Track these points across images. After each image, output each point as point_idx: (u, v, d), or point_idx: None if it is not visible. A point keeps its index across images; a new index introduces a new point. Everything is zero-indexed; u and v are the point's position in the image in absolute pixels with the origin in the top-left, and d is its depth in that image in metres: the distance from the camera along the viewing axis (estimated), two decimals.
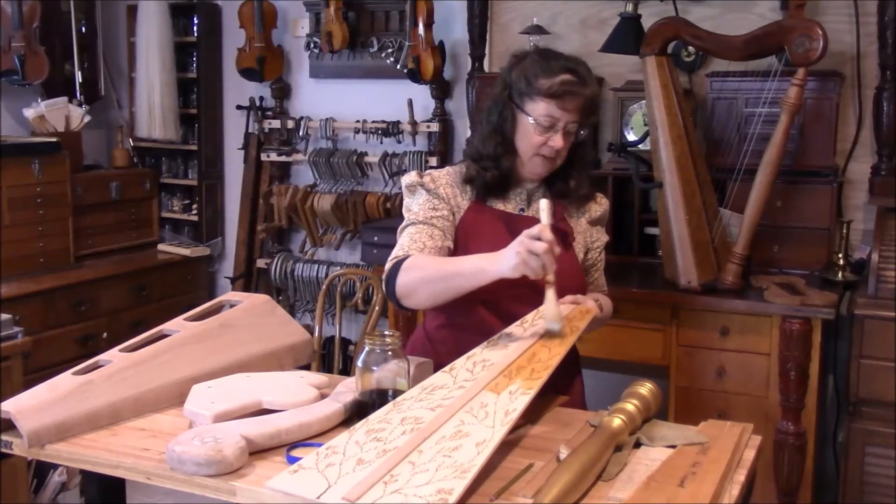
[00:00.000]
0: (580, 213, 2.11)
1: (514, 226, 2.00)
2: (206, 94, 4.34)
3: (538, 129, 1.96)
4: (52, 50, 4.00)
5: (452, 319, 2.03)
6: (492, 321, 1.97)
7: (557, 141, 1.96)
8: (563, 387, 1.98)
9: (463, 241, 2.02)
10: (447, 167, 2.13)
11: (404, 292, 1.89)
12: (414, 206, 2.04)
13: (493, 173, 2.02)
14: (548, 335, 1.79)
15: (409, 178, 2.07)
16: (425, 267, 1.87)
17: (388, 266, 1.94)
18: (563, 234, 2.04)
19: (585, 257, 2.13)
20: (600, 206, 2.15)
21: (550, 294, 1.77)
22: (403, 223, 2.03)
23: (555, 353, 1.74)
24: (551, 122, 1.95)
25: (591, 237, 2.14)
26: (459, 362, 1.72)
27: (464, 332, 1.99)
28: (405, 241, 1.97)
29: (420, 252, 1.93)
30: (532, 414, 1.80)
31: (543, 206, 1.78)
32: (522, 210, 2.07)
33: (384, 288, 1.95)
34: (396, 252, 1.96)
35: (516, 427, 1.69)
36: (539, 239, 1.69)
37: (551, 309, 1.77)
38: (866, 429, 2.69)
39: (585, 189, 2.09)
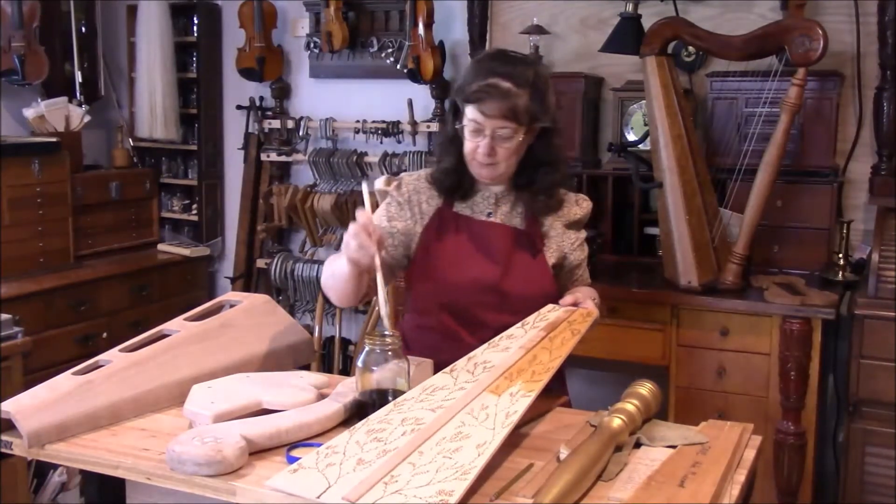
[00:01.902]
0: (556, 217, 2.07)
1: (477, 232, 2.01)
2: (206, 94, 4.34)
3: (468, 134, 1.94)
4: (52, 50, 3.99)
5: (421, 322, 2.04)
6: (455, 326, 1.99)
7: (483, 147, 1.92)
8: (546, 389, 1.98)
9: (425, 247, 2.03)
10: (422, 170, 2.13)
11: (324, 289, 2.00)
12: (380, 211, 2.08)
13: (441, 172, 2.03)
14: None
15: (379, 182, 2.10)
16: (329, 264, 1.97)
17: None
18: (531, 240, 2.03)
19: (565, 260, 2.09)
20: (581, 208, 2.11)
21: (381, 290, 1.74)
22: None
23: (556, 356, 1.74)
24: (476, 128, 1.92)
25: (567, 240, 2.09)
26: (460, 363, 1.72)
27: (432, 334, 2.00)
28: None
29: None
30: (532, 414, 1.80)
31: (363, 188, 1.81)
32: (490, 214, 2.05)
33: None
34: (334, 256, 2.01)
35: (516, 427, 1.69)
36: (363, 224, 1.73)
37: (385, 309, 1.74)
38: (866, 429, 2.69)
39: (544, 200, 2.03)
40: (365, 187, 1.81)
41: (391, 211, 2.06)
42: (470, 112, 1.93)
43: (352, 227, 1.75)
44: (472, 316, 1.98)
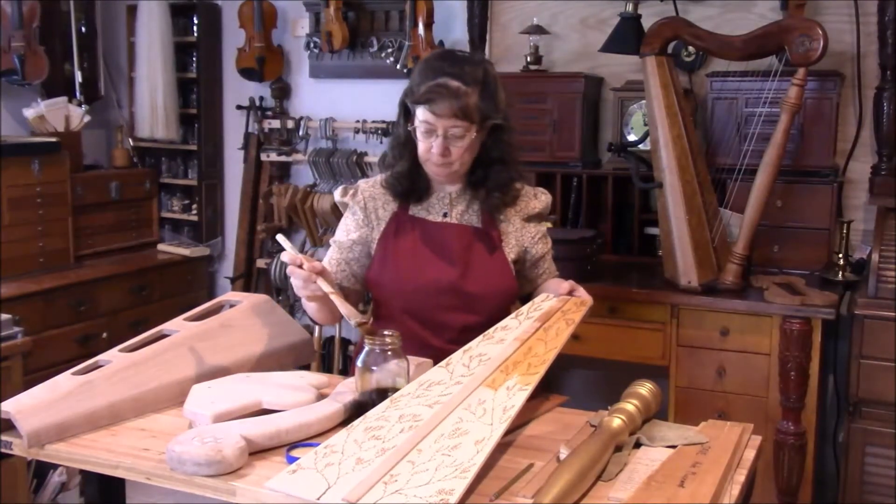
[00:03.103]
0: (515, 212, 2.08)
1: (433, 234, 2.02)
2: (206, 94, 4.34)
3: (420, 135, 1.95)
4: (52, 50, 3.99)
5: (386, 326, 2.04)
6: (417, 329, 1.99)
7: (436, 147, 1.93)
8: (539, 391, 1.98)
9: (382, 252, 2.04)
10: (378, 175, 2.14)
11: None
12: (341, 223, 2.11)
13: (395, 177, 2.04)
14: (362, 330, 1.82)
15: (336, 194, 2.13)
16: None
17: None
18: (488, 238, 2.04)
19: (526, 254, 2.10)
20: (539, 202, 2.12)
21: (336, 301, 1.81)
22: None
23: (551, 347, 1.73)
24: (428, 128, 1.93)
25: (527, 234, 2.10)
26: (456, 357, 1.72)
27: None
28: None
29: None
30: (531, 414, 1.80)
31: (279, 239, 1.88)
32: (446, 214, 2.05)
33: None
34: None
35: (515, 427, 1.69)
36: (292, 265, 1.81)
37: (345, 310, 1.82)
38: (866, 429, 2.69)
39: (498, 197, 2.03)
40: (280, 237, 1.90)
41: (348, 224, 2.08)
42: (421, 113, 1.93)
43: (289, 269, 1.82)
44: (434, 318, 1.99)
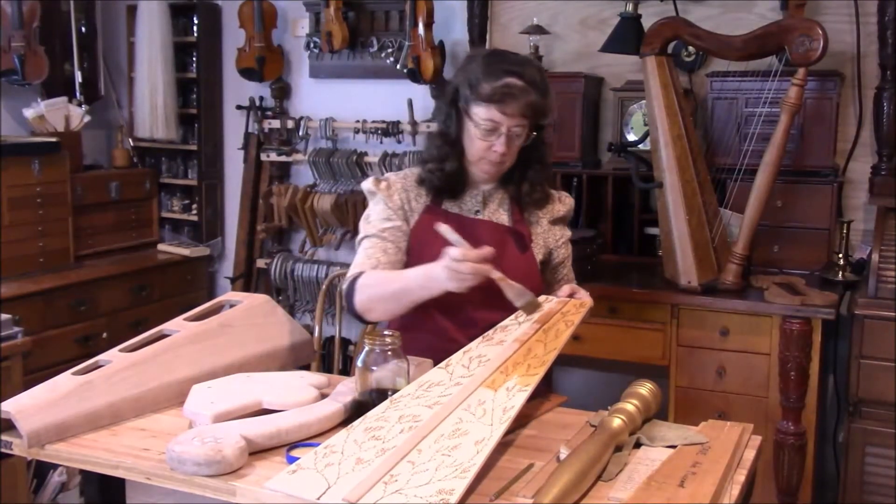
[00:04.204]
0: (543, 214, 2.12)
1: (466, 229, 2.00)
2: (206, 94, 4.34)
3: (481, 134, 1.96)
4: (52, 50, 3.99)
5: (409, 322, 2.04)
6: (447, 325, 2.00)
7: (500, 146, 1.95)
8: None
9: (416, 246, 2.03)
10: (406, 170, 2.14)
11: (363, 309, 1.95)
12: (372, 215, 2.07)
13: (438, 175, 2.03)
14: (528, 309, 1.85)
15: (366, 184, 2.10)
16: (377, 285, 1.92)
17: (345, 285, 1.98)
18: (519, 236, 2.06)
19: (550, 257, 2.14)
20: (564, 205, 2.16)
21: (505, 285, 1.82)
22: (361, 234, 2.06)
23: (550, 349, 1.74)
24: (493, 127, 1.94)
25: (553, 236, 2.14)
26: (455, 358, 1.72)
27: (421, 334, 2.00)
28: (361, 257, 2.01)
29: (374, 269, 1.97)
30: (532, 414, 1.80)
31: (443, 231, 1.81)
32: (478, 211, 2.07)
33: (345, 305, 2.00)
34: (353, 269, 1.99)
35: (515, 427, 1.69)
36: (463, 260, 1.74)
37: (514, 291, 1.83)
38: (866, 429, 2.69)
39: (539, 193, 2.08)
40: (444, 228, 1.81)
41: (380, 212, 2.06)
42: (485, 112, 1.94)
43: (459, 266, 1.73)
44: (462, 313, 2.00)
